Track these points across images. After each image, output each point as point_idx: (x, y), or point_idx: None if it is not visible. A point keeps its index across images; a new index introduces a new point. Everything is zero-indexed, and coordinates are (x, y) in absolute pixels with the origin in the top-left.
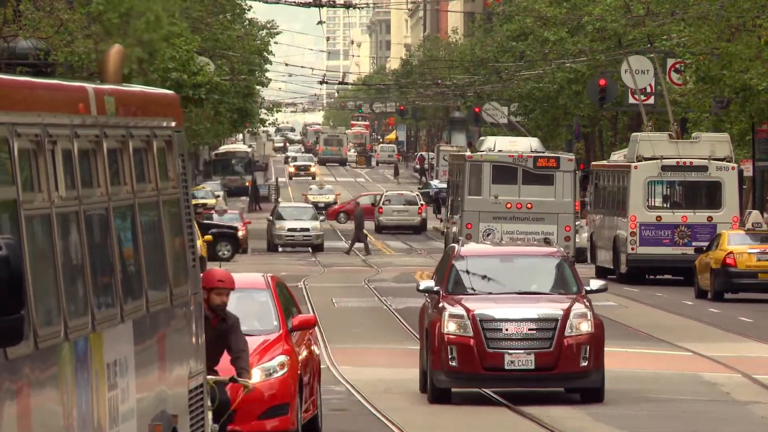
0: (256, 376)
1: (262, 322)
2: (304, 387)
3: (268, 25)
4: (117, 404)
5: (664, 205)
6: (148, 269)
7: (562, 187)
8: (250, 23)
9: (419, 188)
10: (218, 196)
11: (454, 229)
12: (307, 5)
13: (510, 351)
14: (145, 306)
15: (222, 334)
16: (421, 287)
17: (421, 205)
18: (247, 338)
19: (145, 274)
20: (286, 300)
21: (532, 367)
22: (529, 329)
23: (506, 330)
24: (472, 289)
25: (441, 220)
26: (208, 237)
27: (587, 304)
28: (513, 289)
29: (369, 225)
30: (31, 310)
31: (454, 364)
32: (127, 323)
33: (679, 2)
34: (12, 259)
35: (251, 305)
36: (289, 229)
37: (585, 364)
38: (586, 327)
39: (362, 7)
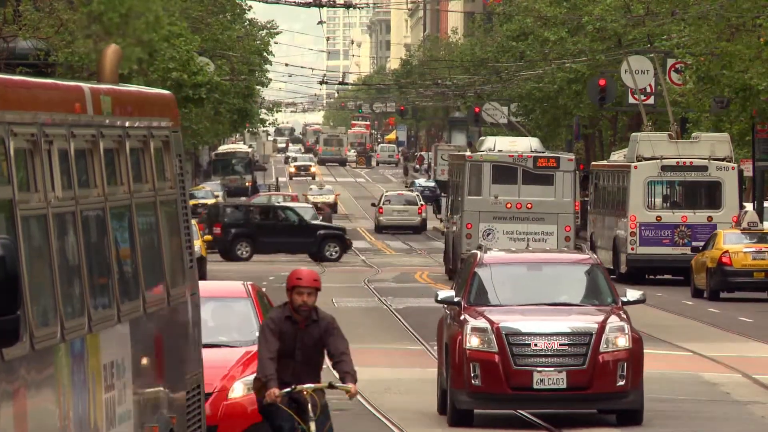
0: (239, 390)
1: (243, 332)
2: None
3: (268, 25)
4: (114, 405)
5: (664, 205)
6: (145, 270)
7: (562, 187)
8: (250, 23)
9: (405, 187)
10: (218, 196)
11: (454, 229)
12: (307, 5)
13: (539, 368)
14: (142, 307)
15: (317, 337)
16: (439, 298)
17: (421, 205)
18: (227, 350)
19: (142, 275)
20: (266, 309)
21: (564, 386)
22: (561, 344)
23: (535, 345)
24: (497, 300)
25: (441, 220)
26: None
27: (624, 316)
28: (542, 300)
29: (369, 225)
30: (27, 311)
31: (477, 382)
32: (124, 324)
33: (679, 2)
34: (8, 260)
35: (231, 315)
36: None
37: (622, 383)
38: (623, 342)
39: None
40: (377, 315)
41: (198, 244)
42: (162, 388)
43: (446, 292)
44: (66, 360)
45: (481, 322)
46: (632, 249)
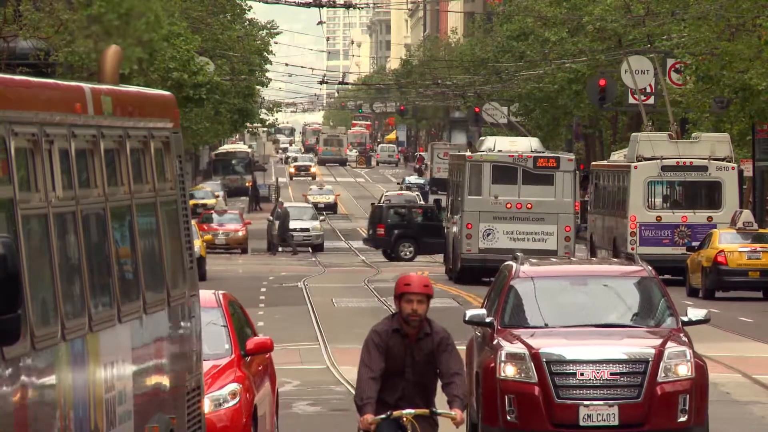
0: (205, 406)
1: (212, 345)
2: (258, 419)
3: (268, 26)
4: (114, 405)
5: (664, 205)
6: (145, 270)
7: (562, 187)
8: (250, 23)
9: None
10: (218, 196)
11: (454, 229)
12: (307, 5)
13: (586, 402)
14: (143, 307)
15: (429, 353)
16: (468, 317)
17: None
18: None
19: (142, 275)
20: (239, 321)
21: (616, 422)
22: (612, 374)
23: (581, 375)
24: (536, 320)
25: (441, 221)
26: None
27: (685, 339)
28: (588, 321)
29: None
30: (27, 311)
31: (512, 418)
32: (124, 324)
33: (679, 2)
34: (9, 259)
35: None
36: (290, 229)
37: (684, 418)
38: (684, 370)
39: (362, 7)
40: (377, 315)
41: (198, 245)
42: (162, 389)
43: (475, 311)
44: (66, 360)
45: (518, 347)
46: (632, 249)
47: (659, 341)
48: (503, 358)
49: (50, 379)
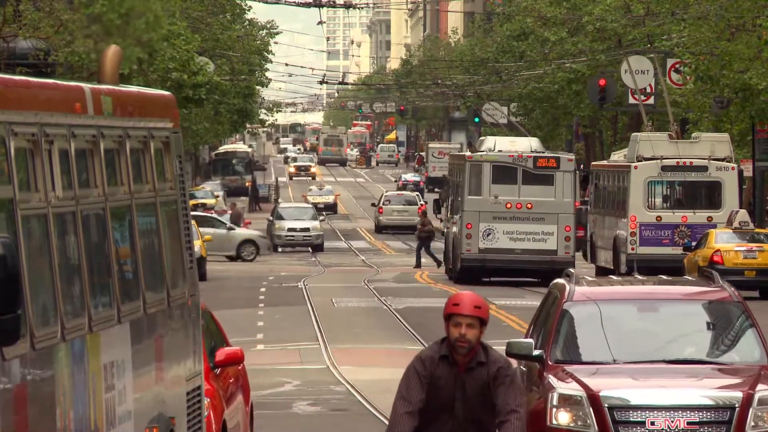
0: None
1: None
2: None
3: (268, 25)
4: (114, 406)
5: (664, 205)
6: (145, 270)
7: (562, 187)
8: (250, 23)
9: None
10: (218, 196)
11: (454, 229)
12: (307, 5)
13: None
14: (143, 307)
15: (483, 386)
16: (511, 349)
17: (421, 204)
18: None
19: (142, 276)
20: (210, 331)
21: None
22: (689, 423)
23: (651, 424)
24: (595, 354)
25: (441, 220)
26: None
27: None
28: (659, 356)
29: (369, 225)
30: (27, 311)
31: None
32: (124, 324)
33: (679, 2)
34: (8, 259)
35: None
36: (289, 229)
37: None
38: None
39: (362, 7)
40: (377, 315)
41: (198, 245)
42: (162, 389)
43: (519, 341)
44: (66, 360)
45: (573, 389)
46: (632, 249)
47: (747, 382)
48: (555, 402)
49: (50, 379)
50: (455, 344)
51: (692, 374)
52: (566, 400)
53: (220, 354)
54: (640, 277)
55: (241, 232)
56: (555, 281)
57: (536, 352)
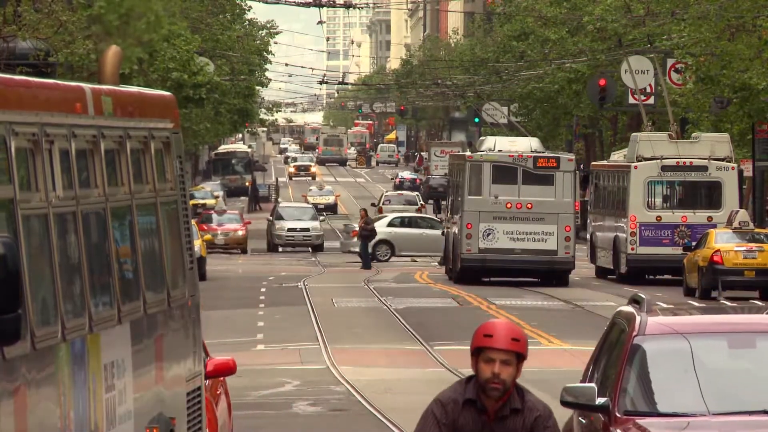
0: None
1: None
2: None
3: (268, 25)
4: (114, 406)
5: (664, 205)
6: (145, 270)
7: (562, 187)
8: (250, 23)
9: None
10: (218, 196)
11: (454, 229)
12: (307, 5)
13: None
14: (143, 307)
15: None
16: (569, 396)
17: (421, 205)
18: None
19: (142, 276)
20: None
21: None
22: None
23: None
24: (678, 404)
25: (441, 220)
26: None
27: None
28: (757, 405)
29: None
30: (28, 310)
31: None
32: (124, 324)
33: (679, 2)
34: (9, 258)
35: None
36: (289, 229)
37: None
38: None
39: (362, 7)
40: (377, 315)
41: (198, 245)
42: (162, 389)
43: (578, 386)
44: (66, 360)
45: None
46: (632, 249)
47: None
48: None
49: (50, 379)
50: (485, 386)
51: None
52: None
53: (211, 364)
54: (727, 303)
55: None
56: (619, 309)
57: (599, 401)
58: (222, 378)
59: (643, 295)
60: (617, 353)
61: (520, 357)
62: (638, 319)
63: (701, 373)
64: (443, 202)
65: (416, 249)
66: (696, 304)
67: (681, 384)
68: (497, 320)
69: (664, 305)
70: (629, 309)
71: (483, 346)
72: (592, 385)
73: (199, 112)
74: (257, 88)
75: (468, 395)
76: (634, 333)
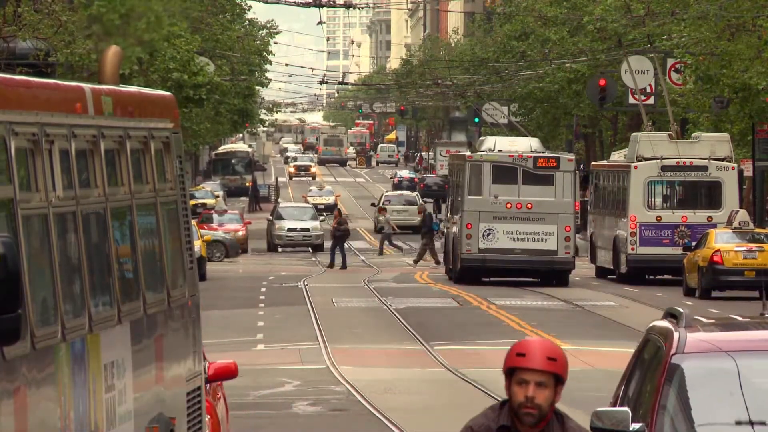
0: None
1: None
2: None
3: (268, 25)
4: (114, 406)
5: (664, 205)
6: (145, 270)
7: (562, 187)
8: (250, 23)
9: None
10: (218, 196)
11: (454, 229)
12: (307, 5)
13: None
14: (143, 307)
15: None
16: (600, 421)
17: (421, 204)
18: None
19: (142, 276)
20: None
21: None
22: None
23: None
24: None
25: (441, 220)
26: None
27: None
28: None
29: (369, 225)
30: (28, 310)
31: None
32: (124, 324)
33: (679, 2)
34: (9, 258)
35: None
36: (289, 229)
37: None
38: None
39: (362, 7)
40: (377, 315)
41: (198, 245)
42: (162, 389)
43: (609, 410)
44: (66, 360)
45: None
46: (632, 249)
47: None
48: None
49: (50, 379)
50: (519, 411)
51: None
52: None
53: (213, 368)
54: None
55: None
56: (653, 324)
57: (634, 427)
58: (219, 381)
59: (680, 309)
60: (653, 374)
61: (559, 379)
62: (676, 335)
63: (749, 396)
64: (443, 203)
65: None
66: (740, 318)
67: (726, 408)
68: (532, 338)
69: (704, 319)
70: (665, 324)
71: (516, 366)
72: (626, 409)
73: (199, 112)
74: (257, 88)
75: (502, 422)
76: (672, 351)
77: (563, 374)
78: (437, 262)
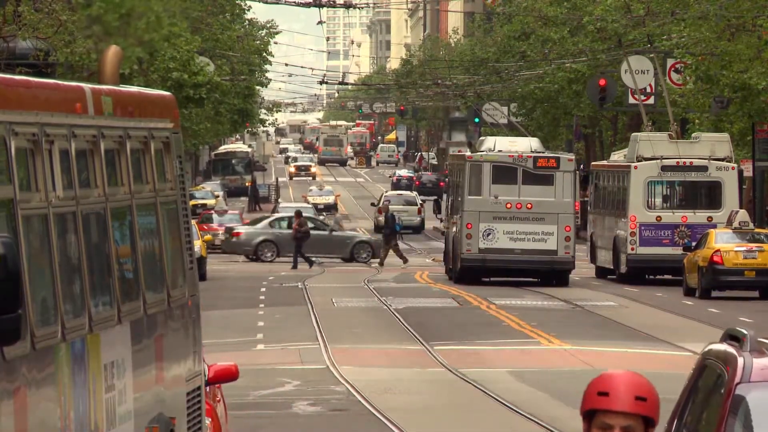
0: None
1: None
2: None
3: (268, 25)
4: (114, 406)
5: (664, 205)
6: (145, 270)
7: (562, 187)
8: (250, 23)
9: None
10: (218, 196)
11: (454, 229)
12: (307, 5)
13: None
14: (143, 307)
15: None
16: None
17: (420, 204)
18: None
19: (142, 276)
20: None
21: None
22: None
23: None
24: None
25: (441, 220)
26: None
27: None
28: None
29: (369, 225)
30: (28, 311)
31: None
32: (124, 324)
33: (679, 2)
34: (9, 258)
35: None
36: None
37: None
38: None
39: (362, 7)
40: (377, 315)
41: (198, 245)
42: (162, 389)
43: None
44: (66, 360)
45: None
46: (632, 249)
47: None
48: None
49: (50, 379)
50: None
51: None
52: None
53: (213, 370)
54: None
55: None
56: (711, 347)
57: None
58: (219, 384)
59: (744, 331)
60: (714, 406)
61: (649, 422)
62: (740, 361)
63: None
64: (443, 203)
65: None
66: None
67: None
68: (616, 373)
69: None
70: (725, 348)
71: (597, 408)
72: None
73: (199, 112)
74: (257, 88)
75: None
76: (737, 380)
77: (655, 417)
78: (405, 261)
